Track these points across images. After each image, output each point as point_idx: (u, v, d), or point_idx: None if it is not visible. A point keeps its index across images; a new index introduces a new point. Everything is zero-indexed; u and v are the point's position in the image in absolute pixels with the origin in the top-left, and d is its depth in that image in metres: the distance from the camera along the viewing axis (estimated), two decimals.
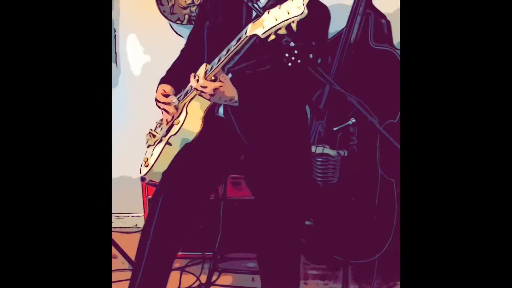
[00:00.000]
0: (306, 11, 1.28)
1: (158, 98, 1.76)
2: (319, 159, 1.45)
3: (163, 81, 1.83)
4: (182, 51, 1.94)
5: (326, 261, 2.19)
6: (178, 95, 1.78)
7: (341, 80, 1.99)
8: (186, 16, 2.25)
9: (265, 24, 1.34)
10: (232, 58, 1.49)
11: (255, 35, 1.37)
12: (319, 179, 1.45)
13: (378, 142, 1.77)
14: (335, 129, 1.44)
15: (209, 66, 1.58)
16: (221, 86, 1.53)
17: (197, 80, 1.55)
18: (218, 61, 1.54)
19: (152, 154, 1.79)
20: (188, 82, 1.75)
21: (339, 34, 2.08)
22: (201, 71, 1.59)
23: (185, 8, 2.24)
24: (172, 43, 2.32)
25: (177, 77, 1.81)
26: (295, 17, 1.29)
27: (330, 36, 2.10)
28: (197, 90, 1.56)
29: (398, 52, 2.00)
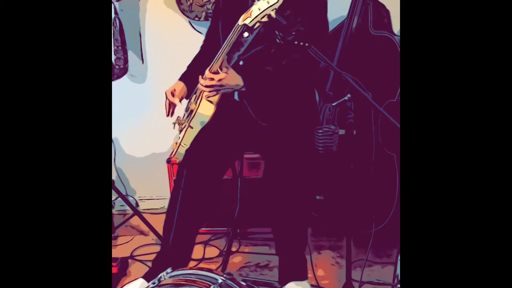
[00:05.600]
0: (281, 0, 1.50)
1: (167, 94, 1.97)
2: (320, 131, 1.65)
3: (183, 76, 2.05)
4: (202, 47, 2.14)
5: (333, 233, 2.38)
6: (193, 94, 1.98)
7: (344, 64, 2.18)
8: (203, 14, 2.46)
9: (252, 14, 1.58)
10: (235, 47, 1.71)
11: (245, 24, 1.60)
12: (320, 147, 1.65)
13: (373, 116, 1.95)
14: (333, 104, 1.63)
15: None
16: (224, 78, 1.72)
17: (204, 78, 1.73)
18: (219, 53, 1.74)
19: (179, 138, 2.02)
20: None
21: (341, 24, 2.26)
22: (206, 71, 1.77)
23: (202, 5, 2.44)
24: (191, 39, 2.55)
25: (196, 71, 2.02)
26: (273, 6, 1.53)
27: (334, 26, 2.30)
28: (206, 87, 1.73)
29: (396, 37, 2.17)
